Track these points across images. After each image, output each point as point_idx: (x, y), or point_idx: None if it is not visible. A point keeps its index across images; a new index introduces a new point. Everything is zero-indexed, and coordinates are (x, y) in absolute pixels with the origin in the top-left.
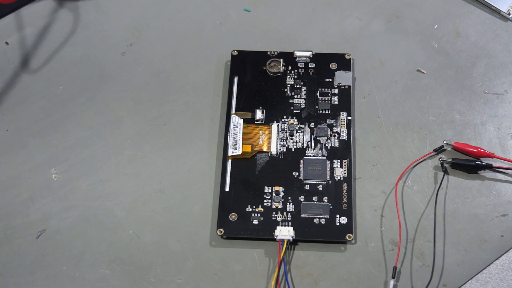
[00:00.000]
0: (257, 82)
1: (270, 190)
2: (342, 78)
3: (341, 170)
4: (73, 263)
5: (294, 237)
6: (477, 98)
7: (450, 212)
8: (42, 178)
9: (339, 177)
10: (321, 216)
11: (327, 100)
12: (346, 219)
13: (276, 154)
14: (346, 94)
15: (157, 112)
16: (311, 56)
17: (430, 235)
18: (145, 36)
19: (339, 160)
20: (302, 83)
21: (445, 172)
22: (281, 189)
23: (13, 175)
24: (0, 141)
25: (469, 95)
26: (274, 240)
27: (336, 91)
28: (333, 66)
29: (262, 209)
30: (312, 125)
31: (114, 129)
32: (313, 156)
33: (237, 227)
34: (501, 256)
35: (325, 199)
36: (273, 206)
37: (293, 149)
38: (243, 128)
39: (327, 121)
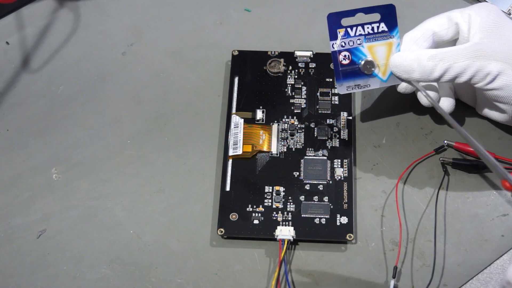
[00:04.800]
0: (257, 82)
1: (270, 190)
2: None
3: (342, 170)
4: (73, 263)
5: (294, 237)
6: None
7: (450, 212)
8: (43, 178)
9: (339, 177)
10: (322, 216)
11: (327, 100)
12: (347, 219)
13: (277, 154)
14: (346, 94)
15: (157, 112)
16: (311, 56)
17: (430, 235)
18: (146, 36)
19: (339, 160)
20: (302, 83)
21: (446, 172)
22: (281, 189)
23: (13, 174)
24: (1, 141)
25: None
26: (275, 240)
27: (336, 91)
28: None
29: (263, 209)
30: (312, 125)
31: (114, 129)
32: (314, 156)
33: (237, 227)
34: (501, 256)
35: (326, 199)
36: (274, 206)
37: (293, 149)
38: (243, 128)
39: (327, 121)
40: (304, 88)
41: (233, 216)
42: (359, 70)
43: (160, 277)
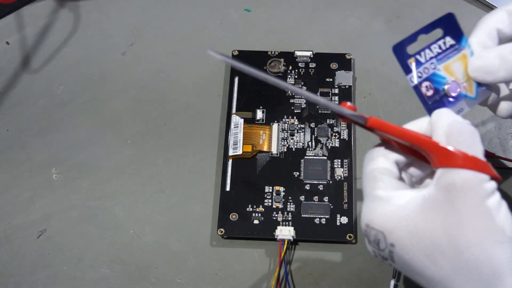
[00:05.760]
0: (257, 82)
1: (270, 190)
2: (342, 78)
3: (342, 170)
4: (73, 263)
5: (294, 237)
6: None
7: None
8: (43, 178)
9: (339, 177)
10: (322, 216)
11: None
12: (347, 219)
13: (277, 154)
14: (346, 94)
15: (157, 112)
16: (311, 56)
17: None
18: (146, 36)
19: (339, 160)
20: (302, 83)
21: None
22: (281, 189)
23: (13, 174)
24: (1, 141)
25: None
26: (275, 240)
27: (336, 91)
28: (334, 66)
29: (263, 209)
30: (312, 125)
31: (115, 129)
32: (314, 156)
33: (237, 227)
34: None
35: (326, 199)
36: (274, 206)
37: (293, 149)
38: (243, 128)
39: (327, 121)
40: (304, 88)
41: (233, 216)
42: (446, 97)
43: (160, 277)
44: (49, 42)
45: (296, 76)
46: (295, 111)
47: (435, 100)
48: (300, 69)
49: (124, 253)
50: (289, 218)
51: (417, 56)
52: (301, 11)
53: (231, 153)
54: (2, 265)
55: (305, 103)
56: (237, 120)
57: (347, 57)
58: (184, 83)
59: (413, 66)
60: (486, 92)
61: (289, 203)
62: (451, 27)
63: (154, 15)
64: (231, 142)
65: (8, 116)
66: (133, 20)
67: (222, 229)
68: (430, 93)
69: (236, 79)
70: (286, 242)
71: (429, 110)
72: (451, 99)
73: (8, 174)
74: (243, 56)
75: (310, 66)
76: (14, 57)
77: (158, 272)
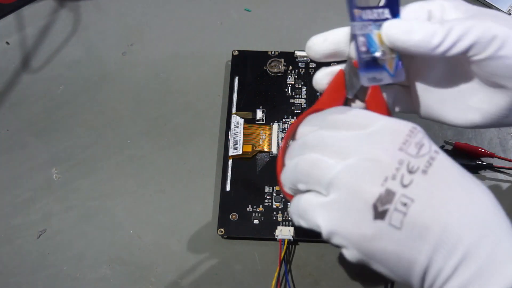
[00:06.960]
0: (257, 82)
1: (270, 190)
2: None
3: None
4: (73, 263)
5: (294, 237)
6: None
7: None
8: (43, 178)
9: None
10: None
11: None
12: None
13: (277, 154)
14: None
15: (157, 112)
16: None
17: None
18: (146, 36)
19: None
20: (302, 83)
21: None
22: None
23: (13, 175)
24: (1, 141)
25: None
26: (275, 240)
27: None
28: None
29: (263, 209)
30: None
31: (115, 129)
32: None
33: (237, 227)
34: None
35: None
36: (274, 206)
37: None
38: (243, 128)
39: None
40: (304, 88)
41: (233, 216)
42: (374, 61)
43: (160, 277)
44: (49, 42)
45: (296, 76)
46: (295, 111)
47: (366, 59)
48: (300, 69)
49: (124, 253)
50: (289, 218)
51: (362, 12)
52: (301, 11)
53: (231, 153)
54: (2, 265)
55: (305, 103)
56: (237, 120)
57: None
58: (184, 83)
59: (356, 17)
60: (401, 73)
61: (289, 203)
62: (392, 2)
63: (154, 15)
64: (231, 142)
65: (8, 116)
66: (133, 20)
67: (222, 229)
68: (363, 49)
69: (236, 79)
70: (286, 242)
71: (360, 65)
72: (376, 66)
73: (8, 174)
74: (243, 56)
75: (310, 66)
76: (14, 57)
77: (158, 272)
